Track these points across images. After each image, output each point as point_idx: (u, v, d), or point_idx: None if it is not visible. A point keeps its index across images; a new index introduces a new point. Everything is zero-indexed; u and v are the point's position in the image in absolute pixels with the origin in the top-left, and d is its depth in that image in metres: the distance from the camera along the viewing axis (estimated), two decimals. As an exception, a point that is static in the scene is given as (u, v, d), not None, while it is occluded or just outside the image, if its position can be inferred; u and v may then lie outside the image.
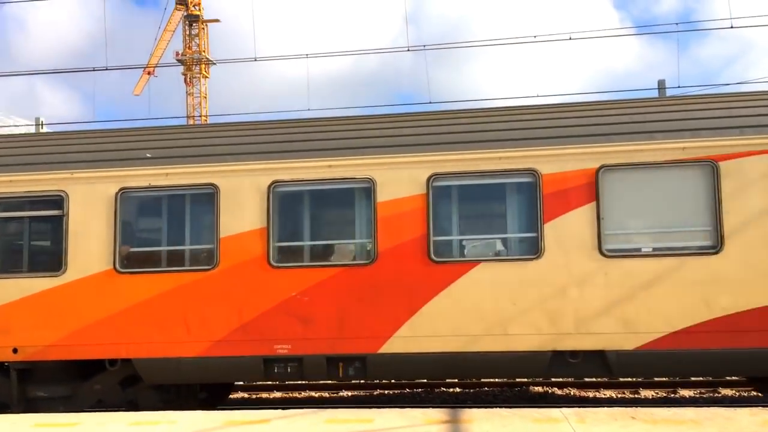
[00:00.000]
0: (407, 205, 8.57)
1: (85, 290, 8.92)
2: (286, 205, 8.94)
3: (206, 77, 69.07)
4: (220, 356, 8.68)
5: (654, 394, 11.59)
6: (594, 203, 8.26)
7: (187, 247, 9.05)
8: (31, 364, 9.07)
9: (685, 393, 11.56)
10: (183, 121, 56.75)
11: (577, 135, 8.48)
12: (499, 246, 8.66)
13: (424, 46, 18.43)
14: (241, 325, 8.67)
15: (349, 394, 12.40)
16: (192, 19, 67.65)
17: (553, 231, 8.30)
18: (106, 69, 19.46)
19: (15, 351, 8.97)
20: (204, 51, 68.26)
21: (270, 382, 12.06)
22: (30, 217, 9.31)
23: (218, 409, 8.55)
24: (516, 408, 7.88)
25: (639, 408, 7.42)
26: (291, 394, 12.55)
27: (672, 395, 11.52)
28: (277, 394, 12.56)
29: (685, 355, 8.02)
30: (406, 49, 15.14)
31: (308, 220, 8.99)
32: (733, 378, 11.32)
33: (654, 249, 8.24)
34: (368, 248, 8.64)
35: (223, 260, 8.75)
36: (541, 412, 7.46)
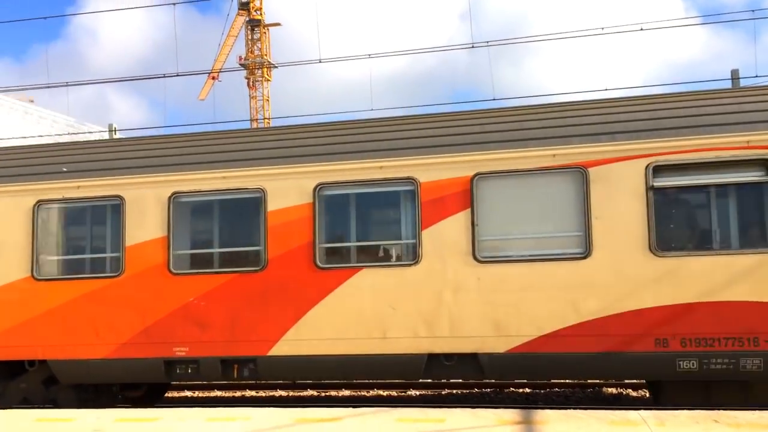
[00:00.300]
0: (295, 213, 8.93)
1: (6, 296, 9.61)
2: (186, 215, 9.43)
3: (268, 80, 69.77)
4: (126, 358, 9.23)
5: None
6: (469, 210, 8.46)
7: (97, 256, 9.63)
8: None
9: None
10: (247, 125, 57.81)
11: (453, 144, 8.67)
12: (381, 252, 8.95)
13: (488, 42, 17.55)
14: (144, 328, 9.21)
15: (417, 393, 12.28)
16: (254, 24, 68.54)
17: (430, 237, 8.54)
18: (177, 75, 20.77)
19: None
20: (266, 55, 69.12)
21: (338, 381, 12.16)
22: None
23: (290, 407, 8.57)
24: (591, 410, 7.59)
25: (722, 411, 7.12)
26: (359, 393, 12.50)
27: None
28: (346, 392, 12.53)
29: (554, 358, 8.17)
30: (471, 45, 14.97)
31: (206, 229, 9.47)
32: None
33: (526, 254, 8.38)
34: (259, 255, 9.05)
35: (128, 268, 9.30)
36: (617, 414, 7.20)
